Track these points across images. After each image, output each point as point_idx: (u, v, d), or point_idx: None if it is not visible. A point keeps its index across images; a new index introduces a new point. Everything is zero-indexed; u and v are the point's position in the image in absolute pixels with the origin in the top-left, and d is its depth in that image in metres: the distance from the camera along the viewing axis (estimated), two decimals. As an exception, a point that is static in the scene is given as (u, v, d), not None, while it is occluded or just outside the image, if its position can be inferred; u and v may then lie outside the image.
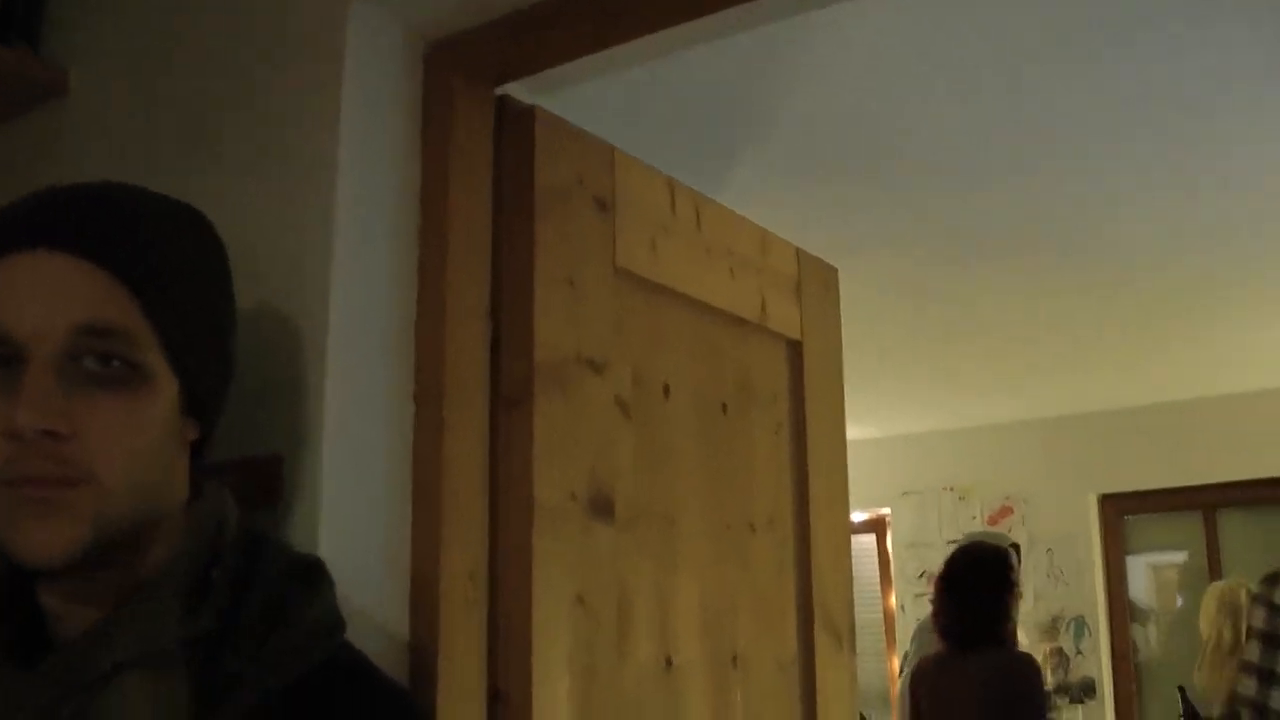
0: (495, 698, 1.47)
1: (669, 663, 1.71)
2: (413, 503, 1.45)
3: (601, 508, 1.60)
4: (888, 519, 7.12)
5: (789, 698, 1.97)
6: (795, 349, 2.10)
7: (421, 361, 1.48)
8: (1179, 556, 6.42)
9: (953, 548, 4.06)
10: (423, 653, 1.41)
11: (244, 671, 1.07)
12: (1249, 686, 3.19)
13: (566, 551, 1.54)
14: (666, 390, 1.78)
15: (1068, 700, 6.15)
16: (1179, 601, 6.38)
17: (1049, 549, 6.37)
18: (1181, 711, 4.39)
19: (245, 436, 1.37)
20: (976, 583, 3.74)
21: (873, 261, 4.05)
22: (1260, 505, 6.03)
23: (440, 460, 1.45)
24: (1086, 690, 6.20)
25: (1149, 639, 6.38)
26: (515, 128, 1.61)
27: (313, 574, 1.19)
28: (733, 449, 1.93)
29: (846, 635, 2.14)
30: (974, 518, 6.60)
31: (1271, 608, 3.19)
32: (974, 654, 3.64)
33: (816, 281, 2.19)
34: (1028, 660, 3.67)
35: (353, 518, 1.39)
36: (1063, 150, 3.19)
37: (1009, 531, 6.07)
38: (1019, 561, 3.89)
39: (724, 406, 1.91)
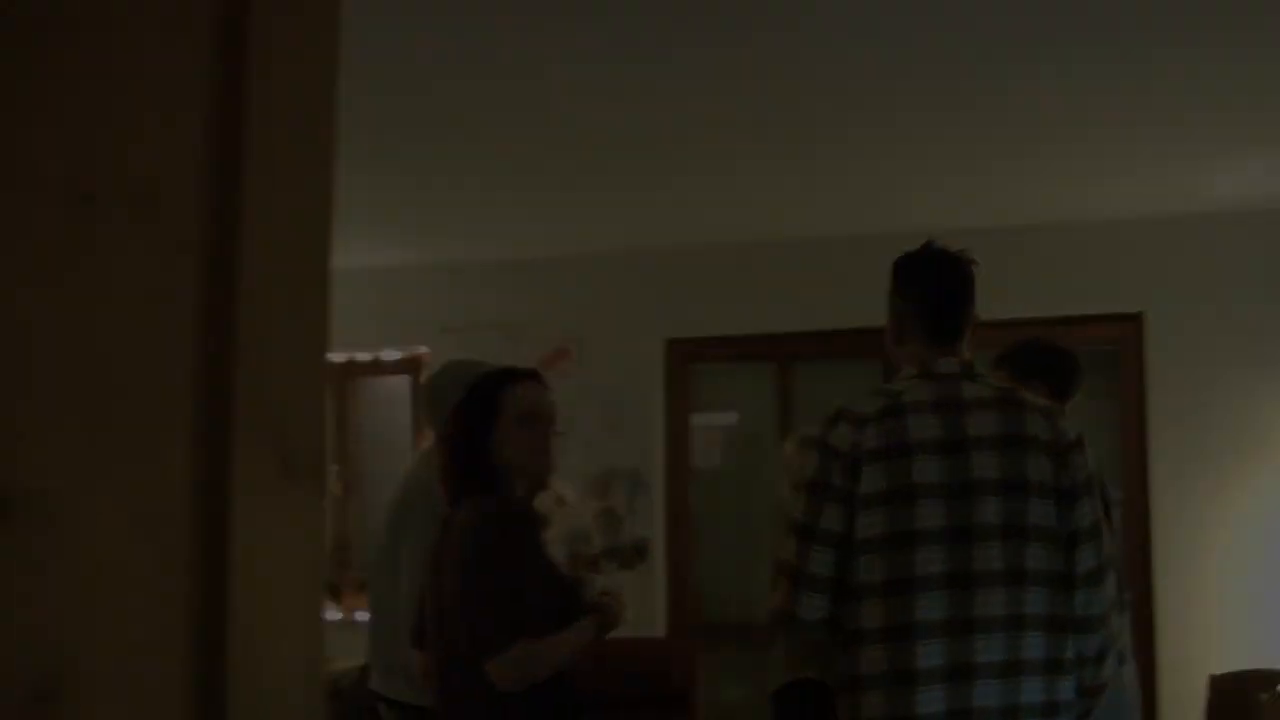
0: None
1: None
2: None
3: None
4: (425, 359, 6.15)
5: (159, 577, 0.91)
6: None
7: None
8: (741, 412, 5.86)
9: None
10: None
11: None
12: (789, 549, 2.45)
13: None
14: None
15: (616, 565, 5.45)
16: (726, 459, 5.84)
17: (606, 397, 5.60)
18: None
19: None
20: (463, 414, 2.92)
21: None
22: (837, 358, 5.51)
23: None
24: (639, 552, 5.52)
25: (705, 499, 5.80)
26: None
27: None
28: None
29: (309, 467, 1.08)
30: (525, 360, 5.74)
31: (827, 451, 2.45)
32: (462, 507, 2.87)
33: None
34: (489, 509, 2.81)
35: None
36: None
37: (566, 378, 5.28)
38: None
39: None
